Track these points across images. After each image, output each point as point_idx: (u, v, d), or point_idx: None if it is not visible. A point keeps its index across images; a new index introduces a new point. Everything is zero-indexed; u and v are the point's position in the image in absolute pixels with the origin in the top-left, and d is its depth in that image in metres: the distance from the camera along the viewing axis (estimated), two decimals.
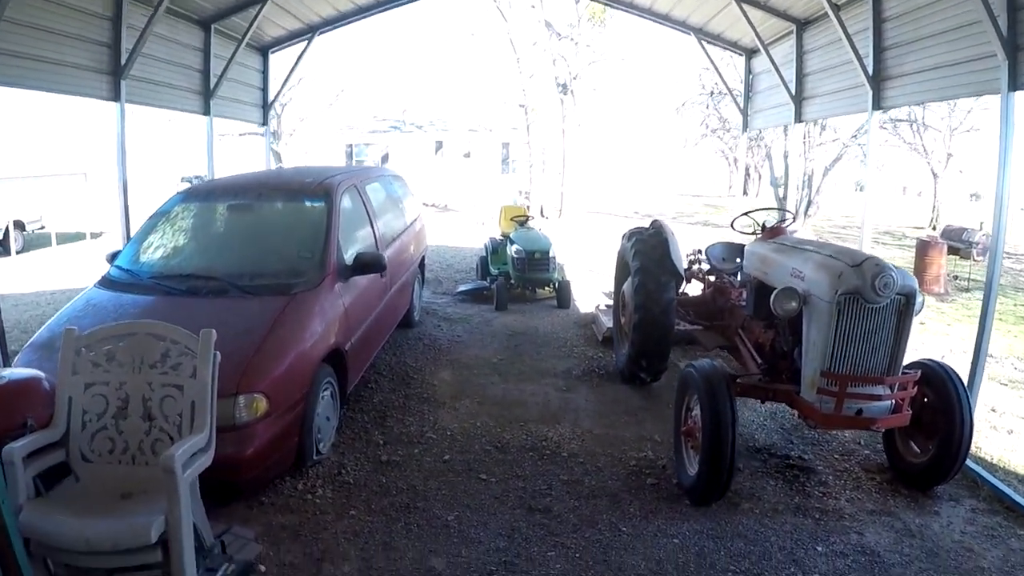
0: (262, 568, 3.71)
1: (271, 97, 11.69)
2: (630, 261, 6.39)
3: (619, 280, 7.28)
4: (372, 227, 6.51)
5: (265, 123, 12.11)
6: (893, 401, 4.28)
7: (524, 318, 9.39)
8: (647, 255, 6.25)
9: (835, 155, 21.87)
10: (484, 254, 11.21)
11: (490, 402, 6.19)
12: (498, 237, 11.38)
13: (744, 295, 6.21)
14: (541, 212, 11.29)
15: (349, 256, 5.50)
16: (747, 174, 35.89)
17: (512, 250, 10.02)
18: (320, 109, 33.10)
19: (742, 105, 11.17)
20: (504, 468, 4.94)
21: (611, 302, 10.25)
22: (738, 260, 6.51)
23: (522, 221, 10.96)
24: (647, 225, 6.90)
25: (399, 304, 7.47)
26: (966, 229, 16.25)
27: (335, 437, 5.15)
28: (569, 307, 10.07)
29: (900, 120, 25.31)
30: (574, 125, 24.52)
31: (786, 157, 20.34)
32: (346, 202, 6.08)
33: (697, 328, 6.60)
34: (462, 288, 10.55)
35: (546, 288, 10.32)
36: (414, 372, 6.94)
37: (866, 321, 4.26)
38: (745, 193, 34.36)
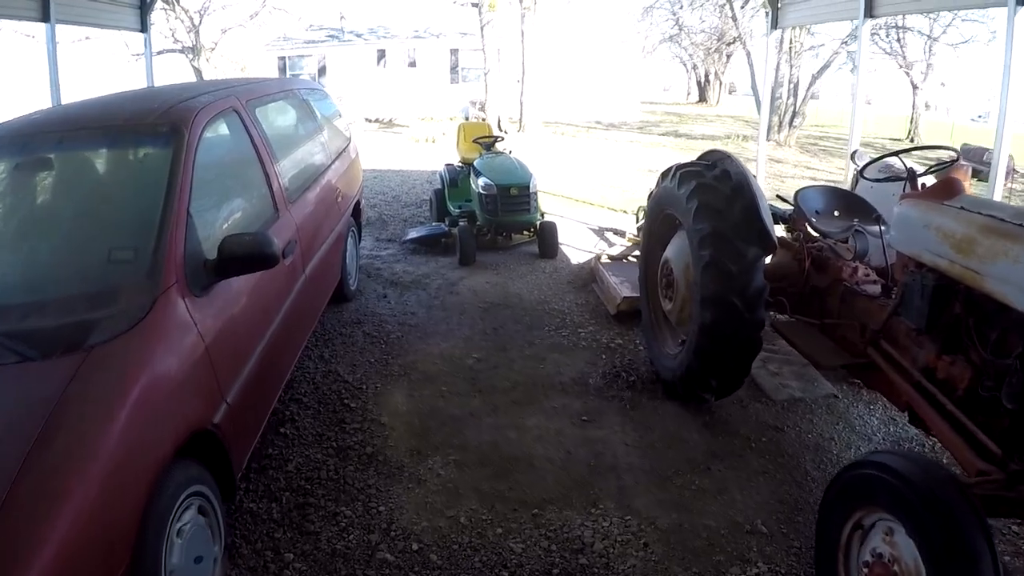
0: None
1: None
2: (689, 220, 4.01)
3: (654, 239, 4.90)
4: (267, 177, 3.95)
5: (144, 29, 9.35)
6: None
7: (499, 278, 6.97)
8: (721, 213, 3.87)
9: (823, 62, 19.69)
10: (440, 186, 8.64)
11: (474, 461, 3.84)
12: (457, 165, 8.79)
13: (864, 276, 3.94)
14: (498, 125, 9.02)
15: (211, 244, 2.97)
16: (705, 81, 33.42)
17: (479, 184, 7.46)
18: (245, 18, 29.82)
19: None
20: None
21: (612, 245, 7.90)
22: (855, 220, 4.17)
23: (488, 143, 8.38)
24: (702, 159, 4.49)
25: (322, 284, 5.01)
26: (987, 150, 14.07)
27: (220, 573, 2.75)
28: (556, 256, 7.66)
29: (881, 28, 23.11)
30: (533, 27, 21.54)
31: (778, 68, 17.98)
32: (214, 143, 3.49)
33: (795, 325, 4.27)
34: (413, 234, 8.00)
35: (525, 232, 7.87)
36: (350, 396, 4.52)
37: None
38: (704, 100, 32.02)
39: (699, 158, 4.58)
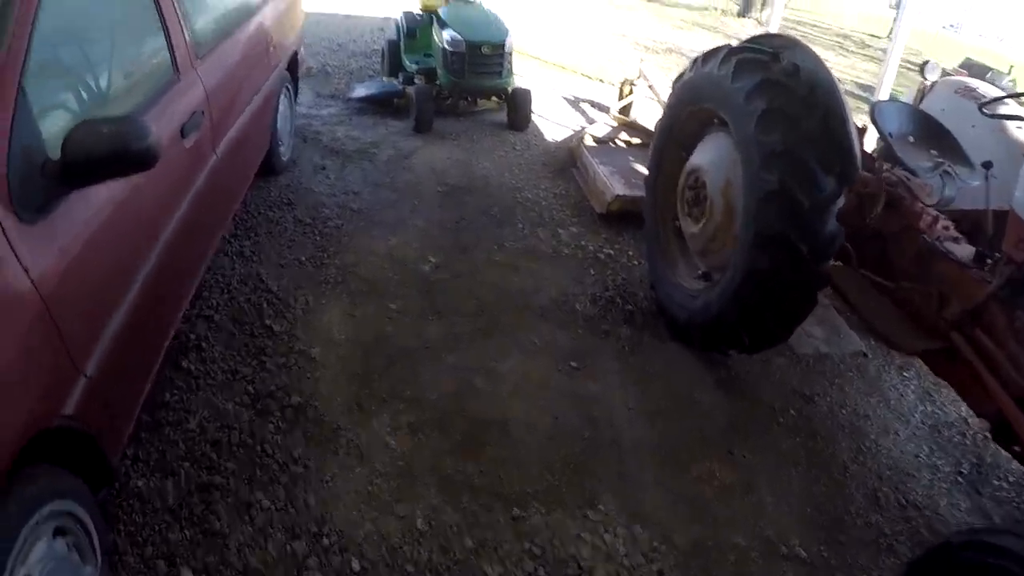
0: None
1: None
2: (748, 126, 2.97)
3: (674, 136, 3.87)
4: (163, 22, 2.72)
5: None
6: None
7: (462, 152, 5.85)
8: (795, 124, 2.85)
9: None
10: (395, 37, 7.25)
11: (432, 423, 2.92)
12: (417, 13, 7.37)
13: (945, 231, 3.02)
14: None
15: (59, 134, 1.84)
16: None
17: (444, 38, 6.14)
18: None
19: None
20: None
21: (593, 123, 6.77)
22: (935, 154, 3.18)
23: None
24: (756, 43, 3.42)
25: (243, 163, 3.86)
26: (990, 70, 12.81)
27: None
28: (527, 129, 6.54)
29: None
30: None
31: None
32: None
33: (858, 283, 3.30)
34: (360, 92, 6.69)
35: (493, 98, 6.68)
36: (273, 313, 3.50)
37: None
38: None
39: (751, 41, 3.51)
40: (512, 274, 4.09)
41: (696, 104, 3.55)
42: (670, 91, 3.89)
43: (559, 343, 3.53)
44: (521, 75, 7.47)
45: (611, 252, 4.45)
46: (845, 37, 17.56)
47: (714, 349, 3.43)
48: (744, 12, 16.66)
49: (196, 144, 2.83)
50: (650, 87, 6.53)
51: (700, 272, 3.71)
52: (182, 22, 2.87)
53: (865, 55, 15.21)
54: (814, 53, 3.15)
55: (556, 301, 3.86)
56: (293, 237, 4.25)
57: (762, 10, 16.52)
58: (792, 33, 16.53)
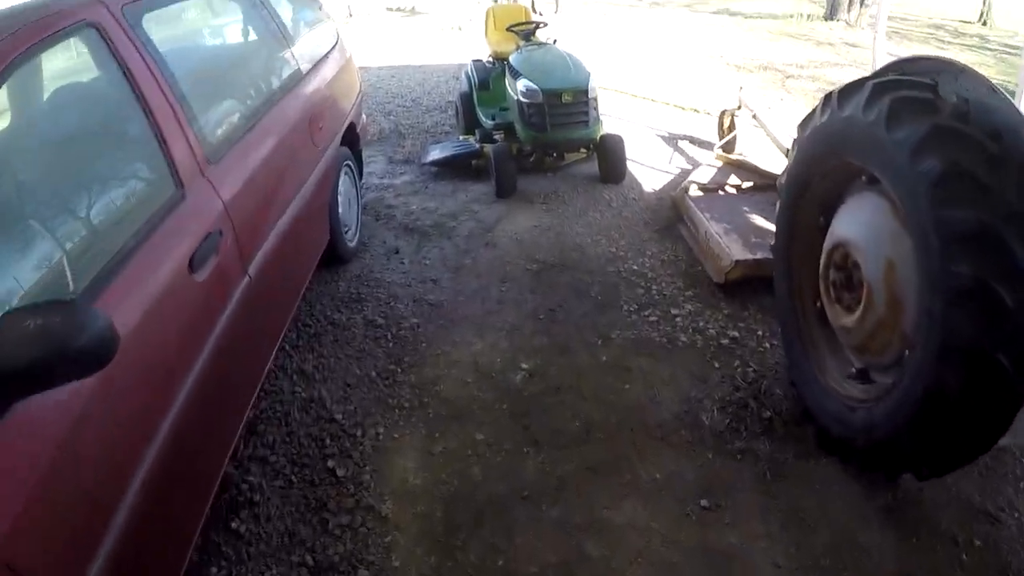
0: None
1: None
2: (920, 196, 2.17)
3: (807, 193, 3.08)
4: (158, 134, 2.18)
5: None
6: None
7: (550, 216, 5.18)
8: (988, 192, 2.05)
9: None
10: (467, 89, 6.71)
11: None
12: (487, 60, 6.82)
13: None
14: (532, 6, 7.09)
15: None
16: None
17: (518, 88, 5.53)
18: None
19: None
20: None
21: (697, 166, 5.97)
22: None
23: (526, 32, 6.39)
24: (904, 69, 2.65)
25: (294, 264, 3.41)
26: None
27: None
28: (622, 181, 5.84)
29: None
30: None
31: None
32: (38, 94, 1.87)
33: None
34: (434, 155, 6.14)
35: (581, 149, 6.02)
36: (338, 452, 2.94)
37: None
38: None
39: (896, 70, 2.74)
40: (621, 378, 3.38)
41: (836, 158, 2.77)
42: (796, 137, 3.11)
43: (685, 475, 2.79)
44: (607, 114, 6.80)
45: (736, 335, 3.68)
46: (937, 27, 16.09)
47: (881, 470, 2.62)
48: (831, 15, 15.47)
49: (215, 273, 2.28)
50: (754, 117, 5.74)
51: (855, 369, 2.90)
52: (183, 122, 2.34)
53: (964, 44, 13.81)
54: (985, 79, 2.36)
55: (677, 415, 3.12)
56: (363, 345, 3.69)
57: (849, 11, 15.31)
58: (887, 30, 15.31)
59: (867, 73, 2.89)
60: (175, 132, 2.28)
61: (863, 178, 2.68)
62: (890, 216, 2.48)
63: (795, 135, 3.10)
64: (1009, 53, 13.16)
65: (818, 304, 3.09)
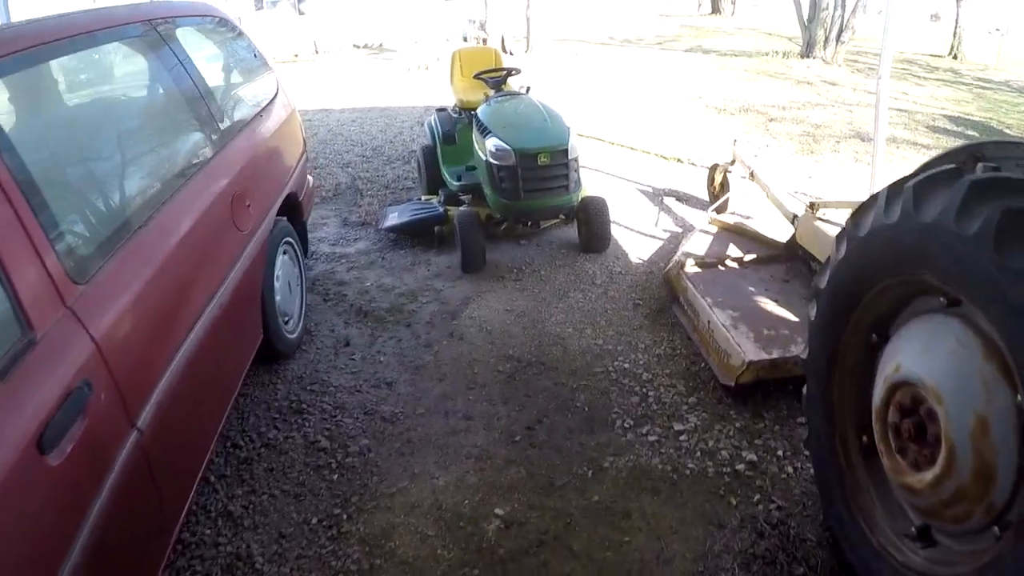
0: None
1: None
2: None
3: (853, 313, 2.41)
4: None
5: None
6: None
7: (525, 298, 4.51)
8: None
9: None
10: (430, 143, 6.04)
11: None
12: (452, 110, 6.17)
13: None
14: (503, 46, 6.58)
15: None
16: None
17: (487, 148, 4.86)
18: None
19: None
20: None
21: (690, 230, 5.29)
22: None
23: (497, 81, 5.71)
24: (958, 155, 2.04)
25: (208, 389, 2.68)
26: None
27: None
28: (606, 249, 5.19)
29: None
30: None
31: None
32: None
33: None
34: (392, 220, 5.40)
35: (561, 216, 5.27)
36: None
37: None
38: (717, 11, 28.31)
39: (975, 149, 2.12)
40: (619, 527, 2.69)
41: (907, 271, 2.12)
42: (844, 230, 2.45)
43: None
44: (583, 166, 6.17)
45: (753, 457, 3.02)
46: (910, 62, 15.87)
47: None
48: (807, 52, 15.16)
49: (81, 446, 1.58)
50: (751, 176, 5.14)
51: (915, 527, 2.23)
52: (31, 229, 1.65)
53: (940, 80, 13.54)
54: None
55: None
56: (302, 477, 2.99)
57: (825, 48, 15.00)
58: (857, 64, 14.98)
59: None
60: (18, 244, 1.59)
61: (942, 299, 2.04)
62: (983, 359, 1.84)
63: (843, 226, 2.45)
64: (984, 88, 12.87)
65: (864, 439, 2.44)
